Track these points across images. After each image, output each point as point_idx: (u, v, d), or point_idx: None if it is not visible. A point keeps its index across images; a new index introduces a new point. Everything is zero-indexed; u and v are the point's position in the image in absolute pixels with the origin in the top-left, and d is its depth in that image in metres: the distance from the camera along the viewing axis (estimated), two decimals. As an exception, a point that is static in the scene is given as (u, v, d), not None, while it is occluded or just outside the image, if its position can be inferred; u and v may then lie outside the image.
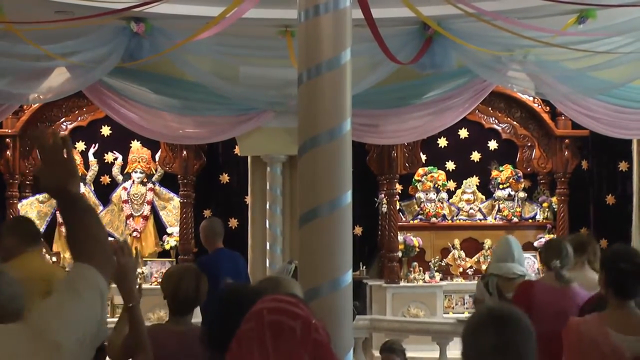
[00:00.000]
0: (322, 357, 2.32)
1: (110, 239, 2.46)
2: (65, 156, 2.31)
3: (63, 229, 10.30)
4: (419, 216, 11.05)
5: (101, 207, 10.70)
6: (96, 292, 2.22)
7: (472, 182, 11.31)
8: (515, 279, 6.12)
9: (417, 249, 10.74)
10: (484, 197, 11.34)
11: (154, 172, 10.95)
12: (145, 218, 10.79)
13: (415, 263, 10.64)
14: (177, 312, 4.33)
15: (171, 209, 10.94)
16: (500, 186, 11.18)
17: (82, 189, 10.53)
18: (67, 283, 2.21)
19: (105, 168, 10.98)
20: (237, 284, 3.94)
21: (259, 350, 2.27)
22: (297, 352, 2.26)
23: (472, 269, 10.77)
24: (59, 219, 10.63)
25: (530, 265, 10.42)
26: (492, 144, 11.36)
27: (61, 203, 2.35)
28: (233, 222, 10.95)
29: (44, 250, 10.10)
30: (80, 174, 10.64)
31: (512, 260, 6.22)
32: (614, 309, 3.88)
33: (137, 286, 3.92)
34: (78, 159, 10.66)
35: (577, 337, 3.90)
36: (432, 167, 11.10)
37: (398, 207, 10.74)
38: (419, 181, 11.05)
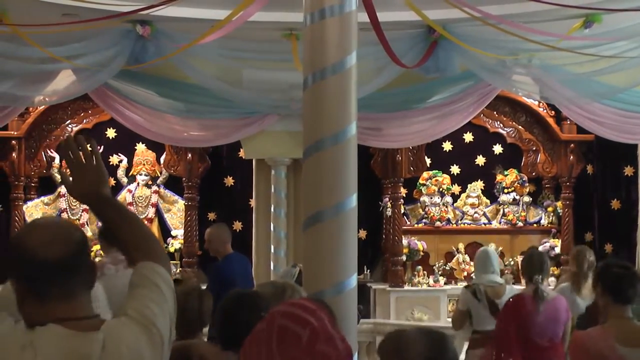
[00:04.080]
0: None
1: None
2: (94, 162, 2.41)
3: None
4: (424, 220, 11.05)
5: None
6: (170, 290, 2.36)
7: (477, 186, 11.31)
8: (497, 287, 6.58)
9: (422, 253, 10.73)
10: (488, 201, 11.34)
11: (159, 175, 10.96)
12: (150, 220, 10.80)
13: (420, 267, 10.65)
14: (184, 335, 4.18)
15: (176, 212, 10.96)
16: (505, 190, 11.18)
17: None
18: (145, 280, 2.32)
19: (110, 170, 10.97)
20: (239, 291, 3.89)
21: (266, 353, 2.28)
22: (300, 359, 2.27)
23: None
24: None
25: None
26: (497, 148, 11.36)
27: (99, 208, 2.45)
28: (237, 225, 10.96)
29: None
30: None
31: (493, 272, 6.61)
32: (615, 319, 3.91)
33: None
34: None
35: (583, 351, 3.90)
36: (436, 171, 11.10)
37: (402, 211, 10.74)
38: (423, 185, 11.04)
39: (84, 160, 2.40)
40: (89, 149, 2.41)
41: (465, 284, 10.65)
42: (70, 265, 2.21)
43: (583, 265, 6.52)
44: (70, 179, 2.42)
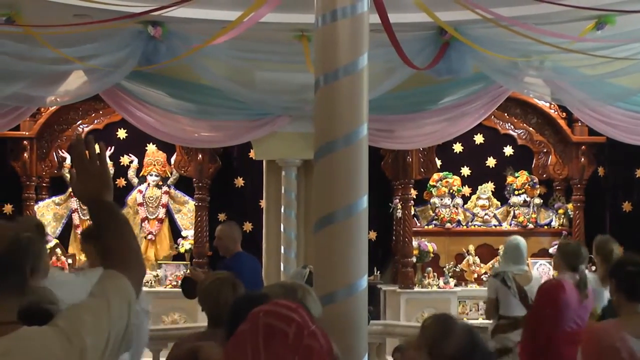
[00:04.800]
0: None
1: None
2: (99, 166, 2.41)
3: (79, 231, 10.35)
4: (434, 221, 11.03)
5: (116, 210, 10.74)
6: (125, 303, 2.28)
7: (488, 187, 11.29)
8: (525, 274, 6.86)
9: (432, 255, 10.72)
10: (499, 203, 11.32)
11: (169, 175, 10.99)
12: (160, 221, 10.83)
13: (430, 268, 10.63)
14: (218, 324, 4.16)
15: (186, 212, 10.98)
16: (516, 192, 11.16)
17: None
18: (99, 291, 2.26)
19: (121, 171, 11.02)
20: (250, 292, 3.90)
21: (252, 352, 2.29)
22: (288, 356, 2.28)
23: (486, 275, 10.72)
24: (75, 221, 10.68)
25: (545, 272, 10.39)
26: (508, 150, 11.34)
27: (94, 211, 2.44)
28: (248, 226, 10.96)
29: (59, 251, 10.19)
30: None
31: (522, 262, 6.93)
32: (628, 314, 3.92)
33: None
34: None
35: (596, 343, 3.91)
36: (447, 173, 11.09)
37: (413, 213, 10.72)
38: (433, 186, 11.03)
39: (90, 161, 2.40)
40: (97, 151, 2.41)
41: (475, 285, 10.67)
42: None
43: (610, 257, 6.45)
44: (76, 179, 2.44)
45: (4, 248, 2.19)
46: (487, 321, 7.35)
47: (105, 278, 2.31)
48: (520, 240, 7.09)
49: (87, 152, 2.41)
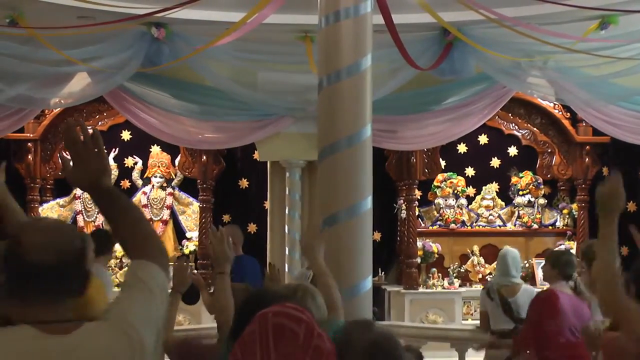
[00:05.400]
0: None
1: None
2: (95, 150, 2.32)
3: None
4: (438, 222, 11.02)
5: (121, 212, 10.75)
6: (164, 290, 2.31)
7: (492, 188, 11.28)
8: (512, 286, 6.59)
9: (436, 255, 10.70)
10: (503, 203, 11.30)
11: (174, 177, 10.98)
12: (165, 222, 10.83)
13: (434, 269, 10.62)
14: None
15: (190, 214, 10.97)
16: (520, 192, 11.13)
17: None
18: (137, 280, 2.26)
19: (125, 172, 11.02)
20: (257, 290, 3.91)
21: (261, 352, 2.28)
22: (299, 356, 2.27)
23: (491, 276, 10.70)
24: (80, 223, 10.68)
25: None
26: (512, 150, 11.32)
27: (97, 198, 2.37)
28: (252, 227, 10.96)
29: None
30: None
31: (508, 274, 6.65)
32: None
33: None
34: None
35: (618, 351, 3.87)
36: (451, 173, 11.07)
37: (417, 213, 10.71)
38: (438, 187, 11.02)
39: (84, 146, 2.31)
40: (89, 137, 2.32)
41: (480, 286, 10.65)
42: (60, 273, 2.17)
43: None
44: (71, 164, 2.35)
45: (71, 257, 2.20)
46: None
47: (137, 269, 2.29)
48: (509, 251, 6.92)
49: (82, 136, 2.31)
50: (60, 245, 2.18)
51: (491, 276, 10.69)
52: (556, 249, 10.32)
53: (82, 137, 2.32)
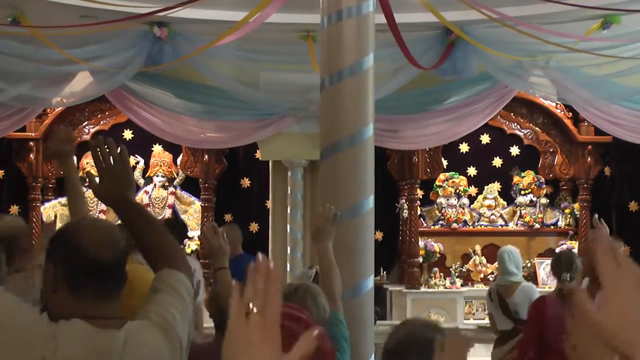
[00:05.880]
0: None
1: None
2: (122, 167, 2.44)
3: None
4: (440, 222, 11.02)
5: (123, 211, 10.77)
6: (190, 297, 2.41)
7: (494, 187, 11.27)
8: (509, 285, 6.60)
9: (438, 255, 10.70)
10: (505, 203, 11.29)
11: (176, 176, 10.98)
12: (167, 222, 10.83)
13: (436, 269, 10.61)
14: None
15: (192, 213, 10.97)
16: (522, 192, 11.12)
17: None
18: (166, 286, 2.36)
19: (126, 172, 11.01)
20: None
21: None
22: None
23: (493, 275, 10.70)
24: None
25: (550, 273, 10.36)
26: (514, 150, 11.31)
27: (122, 213, 2.49)
28: (254, 227, 10.96)
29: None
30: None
31: (507, 272, 6.65)
32: None
33: None
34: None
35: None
36: (453, 173, 11.06)
37: (419, 213, 10.70)
38: (440, 186, 11.01)
39: (112, 162, 2.42)
40: (117, 153, 2.43)
41: (482, 285, 10.66)
42: (113, 269, 2.27)
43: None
44: (97, 180, 2.45)
45: (121, 254, 2.31)
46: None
47: (165, 277, 2.38)
48: (506, 249, 6.90)
49: (108, 152, 2.43)
50: (115, 243, 2.28)
51: (492, 276, 10.72)
52: (558, 249, 10.33)
53: (108, 152, 2.43)
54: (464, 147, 11.23)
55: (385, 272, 10.62)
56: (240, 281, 4.63)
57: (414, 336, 2.84)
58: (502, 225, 11.13)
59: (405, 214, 10.49)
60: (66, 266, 2.24)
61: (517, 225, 11.11)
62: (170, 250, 2.46)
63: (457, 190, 11.01)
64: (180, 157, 10.75)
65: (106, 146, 2.44)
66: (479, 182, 11.36)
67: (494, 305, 6.63)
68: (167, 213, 10.83)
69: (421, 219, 10.86)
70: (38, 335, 2.14)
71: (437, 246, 10.66)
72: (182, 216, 10.95)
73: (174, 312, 2.29)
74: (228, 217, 10.92)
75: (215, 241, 4.12)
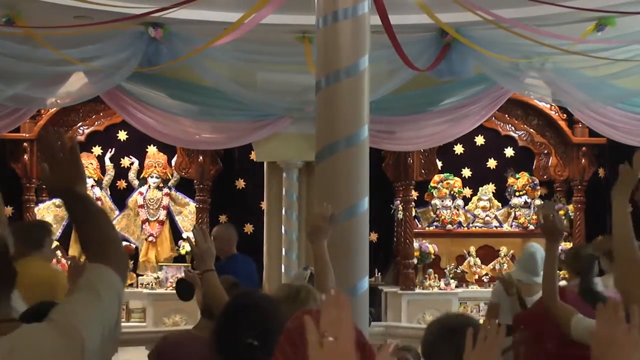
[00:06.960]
0: None
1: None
2: (71, 157, 2.38)
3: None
4: (435, 223, 11.02)
5: (117, 212, 10.75)
6: (114, 294, 2.28)
7: (488, 189, 11.28)
8: (532, 285, 6.31)
9: (433, 256, 10.70)
10: (500, 204, 11.30)
11: (170, 177, 10.97)
12: (161, 223, 10.81)
13: (431, 270, 10.62)
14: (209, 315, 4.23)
15: (187, 214, 10.96)
16: (517, 193, 11.14)
17: (99, 193, 10.57)
18: (87, 284, 2.26)
19: (121, 173, 11.00)
20: (245, 290, 3.91)
21: (293, 349, 2.43)
22: None
23: (487, 276, 10.73)
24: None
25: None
26: (509, 151, 11.33)
27: (68, 203, 2.42)
28: (249, 228, 10.95)
29: (59, 253, 10.17)
30: (97, 179, 10.71)
31: (532, 272, 6.36)
32: None
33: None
34: (95, 163, 10.71)
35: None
36: (448, 174, 11.07)
37: (414, 214, 10.71)
38: (434, 188, 11.02)
39: (61, 154, 2.37)
40: (66, 143, 2.38)
41: (476, 287, 10.66)
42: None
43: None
44: (48, 171, 2.40)
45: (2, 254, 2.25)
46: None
47: (90, 271, 2.29)
48: (538, 249, 6.56)
49: (58, 143, 2.37)
50: None
51: (487, 277, 10.73)
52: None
53: (58, 143, 2.37)
54: (458, 149, 11.25)
55: (380, 274, 10.62)
56: (236, 279, 4.56)
57: (445, 325, 2.90)
58: (496, 227, 11.14)
59: (400, 215, 10.49)
60: None
61: (511, 226, 11.13)
62: (104, 244, 2.36)
63: (452, 192, 11.02)
64: (175, 158, 10.73)
65: (56, 137, 2.38)
66: (474, 184, 11.37)
67: (510, 299, 6.44)
68: (162, 214, 10.81)
69: (416, 220, 10.87)
70: None
71: (431, 247, 10.66)
72: (177, 217, 10.94)
73: (80, 311, 2.19)
74: (223, 218, 10.91)
75: (202, 244, 4.14)
